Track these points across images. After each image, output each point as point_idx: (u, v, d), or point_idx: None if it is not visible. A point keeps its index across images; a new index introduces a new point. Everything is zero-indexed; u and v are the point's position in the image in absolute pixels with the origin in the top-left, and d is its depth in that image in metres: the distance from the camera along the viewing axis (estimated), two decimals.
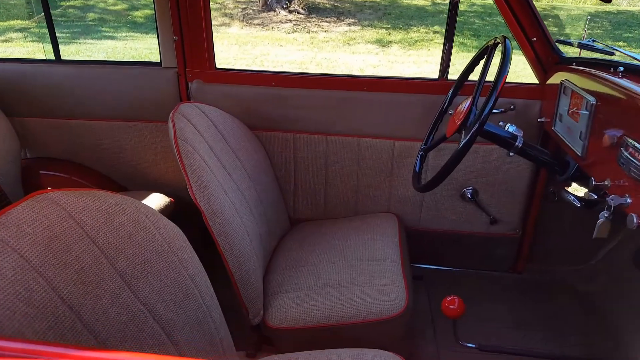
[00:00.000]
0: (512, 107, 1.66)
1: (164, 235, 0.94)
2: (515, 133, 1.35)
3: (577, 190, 1.39)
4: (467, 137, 1.19)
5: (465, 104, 1.35)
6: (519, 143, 1.34)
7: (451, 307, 1.27)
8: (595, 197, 1.20)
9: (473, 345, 1.27)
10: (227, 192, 1.34)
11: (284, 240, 1.72)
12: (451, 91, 1.57)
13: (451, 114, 1.45)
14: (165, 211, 1.68)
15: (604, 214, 1.08)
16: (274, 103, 1.74)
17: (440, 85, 1.67)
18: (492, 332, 1.63)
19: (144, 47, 7.33)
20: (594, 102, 1.21)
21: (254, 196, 1.55)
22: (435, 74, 1.73)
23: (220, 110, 1.58)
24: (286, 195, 1.88)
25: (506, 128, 1.36)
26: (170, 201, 1.72)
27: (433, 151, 1.73)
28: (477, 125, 1.17)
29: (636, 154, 1.00)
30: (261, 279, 1.39)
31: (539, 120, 1.64)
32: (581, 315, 1.73)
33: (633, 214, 0.96)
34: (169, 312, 0.89)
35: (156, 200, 1.70)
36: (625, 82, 1.14)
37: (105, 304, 0.79)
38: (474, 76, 1.49)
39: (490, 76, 1.34)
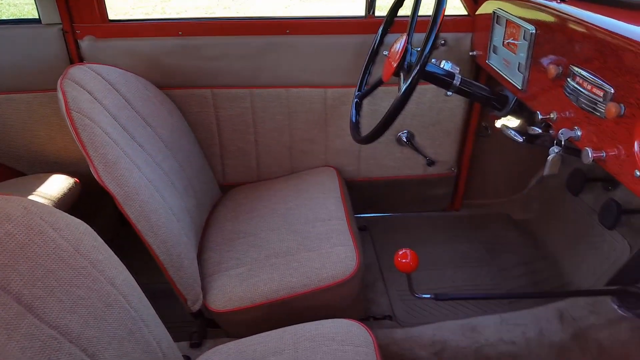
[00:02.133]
0: (442, 42, 1.57)
1: (67, 237, 0.76)
2: (452, 71, 1.26)
3: (513, 122, 1.35)
4: (409, 81, 1.07)
5: (400, 43, 1.23)
6: (457, 81, 1.25)
7: (404, 261, 1.20)
8: (539, 130, 1.16)
9: (429, 296, 1.24)
10: (141, 168, 1.16)
11: (216, 210, 1.56)
12: (381, 29, 1.44)
13: (385, 54, 1.33)
14: (71, 195, 1.45)
15: (554, 149, 1.03)
16: (184, 56, 1.53)
17: (368, 23, 1.54)
18: (441, 276, 1.63)
19: (25, 2, 6.43)
20: (534, 31, 1.14)
21: (175, 167, 1.37)
22: (361, 12, 1.59)
23: (120, 69, 1.35)
24: (212, 160, 1.70)
25: (441, 65, 1.26)
26: (75, 182, 1.49)
27: (368, 98, 1.62)
28: (418, 67, 1.06)
29: (584, 83, 0.95)
30: (195, 260, 1.25)
31: (470, 54, 1.57)
32: (521, 245, 1.77)
33: (588, 148, 0.91)
34: (88, 330, 0.74)
35: (58, 184, 1.46)
36: (566, 8, 1.07)
37: (1, 341, 0.62)
38: (404, 11, 1.37)
39: (423, 10, 1.22)
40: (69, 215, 0.80)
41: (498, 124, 1.33)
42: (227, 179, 1.74)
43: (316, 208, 1.43)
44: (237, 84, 1.58)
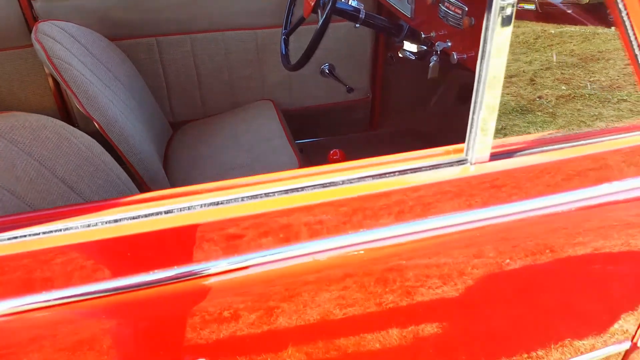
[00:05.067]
0: None
1: (84, 143, 1.02)
2: (357, 7, 1.58)
3: (411, 47, 1.71)
4: (324, 16, 1.39)
5: None
6: (362, 15, 1.58)
7: (335, 157, 1.55)
8: (425, 48, 1.52)
9: None
10: (114, 103, 1.40)
11: (172, 145, 1.82)
12: None
13: None
14: None
15: (433, 58, 1.40)
16: (130, 8, 1.73)
17: None
18: None
19: None
20: None
21: (135, 106, 1.60)
22: None
23: (75, 25, 1.54)
24: (162, 101, 1.93)
25: (349, 2, 1.58)
26: None
27: (293, 36, 1.91)
28: (330, 4, 1.37)
29: (451, 7, 1.31)
30: (167, 179, 1.52)
31: None
32: None
33: (454, 52, 1.28)
34: None
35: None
36: None
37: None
38: None
39: None
40: (80, 131, 1.05)
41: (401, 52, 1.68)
42: (176, 117, 1.99)
43: (261, 132, 1.73)
44: (177, 30, 1.81)
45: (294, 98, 2.08)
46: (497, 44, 0.69)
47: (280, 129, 1.75)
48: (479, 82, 0.72)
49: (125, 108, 1.47)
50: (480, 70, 0.71)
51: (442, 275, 0.81)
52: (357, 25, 1.59)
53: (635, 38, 0.80)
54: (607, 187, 0.86)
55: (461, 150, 0.79)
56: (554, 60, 1.27)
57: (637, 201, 0.90)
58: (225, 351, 0.76)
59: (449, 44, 1.35)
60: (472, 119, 0.74)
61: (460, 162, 0.78)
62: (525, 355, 1.01)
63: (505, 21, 0.67)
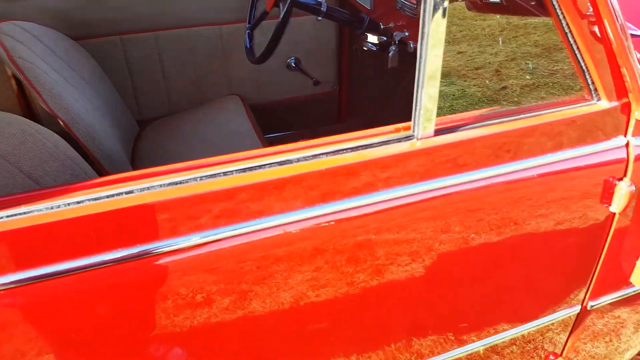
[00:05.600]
0: None
1: (50, 140, 1.04)
2: (320, 0, 1.62)
3: (373, 39, 1.76)
4: (286, 8, 1.42)
5: None
6: (324, 8, 1.62)
7: None
8: (385, 39, 1.57)
9: None
10: (78, 101, 1.41)
11: (139, 142, 1.83)
12: None
13: None
14: None
15: (392, 48, 1.45)
16: (91, 8, 1.74)
17: None
18: None
19: None
20: None
21: (101, 104, 1.61)
22: None
23: (39, 25, 1.55)
24: (128, 99, 1.94)
25: None
26: None
27: (258, 30, 1.94)
28: None
29: None
30: None
31: None
32: None
33: (411, 41, 1.33)
34: None
35: None
36: None
37: None
38: None
39: None
40: (45, 128, 1.07)
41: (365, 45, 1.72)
42: (142, 115, 1.99)
43: (229, 127, 1.76)
44: (141, 28, 1.83)
45: (262, 92, 2.11)
46: (434, 25, 0.74)
47: (248, 124, 1.78)
48: (419, 66, 0.77)
49: (90, 106, 1.49)
50: (420, 57, 0.77)
51: (397, 242, 0.86)
52: (320, 18, 1.63)
53: (568, 27, 0.86)
54: (543, 158, 0.92)
55: (409, 128, 0.84)
56: (500, 45, 1.33)
57: (577, 171, 0.96)
58: (192, 329, 0.80)
59: (406, 33, 1.40)
60: (416, 98, 0.80)
61: (408, 138, 0.83)
62: (485, 325, 1.07)
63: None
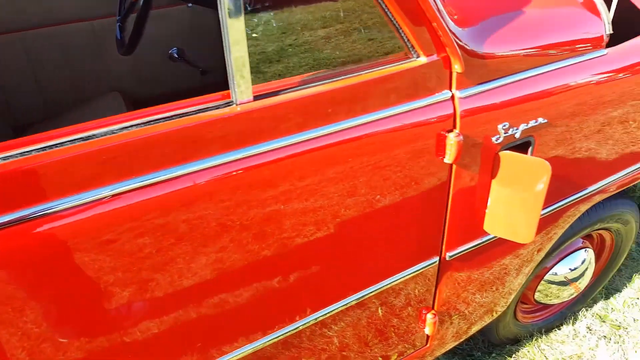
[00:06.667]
0: None
1: None
2: None
3: None
4: None
5: None
6: None
7: None
8: None
9: None
10: None
11: None
12: None
13: None
14: None
15: None
16: None
17: None
18: None
19: None
20: None
21: None
22: None
23: None
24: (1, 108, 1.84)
25: None
26: None
27: (131, 21, 1.88)
28: None
29: None
30: None
31: None
32: None
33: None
34: None
35: None
36: None
37: None
38: None
39: None
40: None
41: None
42: (17, 121, 1.89)
43: None
44: (4, 30, 1.73)
45: (145, 87, 2.06)
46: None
47: None
48: (223, 32, 0.79)
49: None
50: (222, 23, 0.78)
51: (225, 210, 0.87)
52: (190, 5, 1.62)
53: None
54: (371, 116, 0.96)
55: (228, 96, 0.85)
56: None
57: (412, 128, 1.01)
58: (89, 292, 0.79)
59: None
60: (228, 64, 0.81)
61: (227, 104, 0.84)
62: (348, 283, 1.11)
63: None
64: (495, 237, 1.26)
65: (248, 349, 1.01)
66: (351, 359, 1.26)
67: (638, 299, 1.97)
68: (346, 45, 1.03)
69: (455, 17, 1.00)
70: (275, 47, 0.93)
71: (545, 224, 1.36)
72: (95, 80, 1.95)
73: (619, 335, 1.83)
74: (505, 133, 1.10)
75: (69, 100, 1.94)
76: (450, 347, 1.51)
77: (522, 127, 1.13)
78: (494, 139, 1.10)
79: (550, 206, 1.32)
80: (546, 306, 1.83)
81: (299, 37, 0.96)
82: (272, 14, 1.06)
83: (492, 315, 1.53)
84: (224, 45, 0.82)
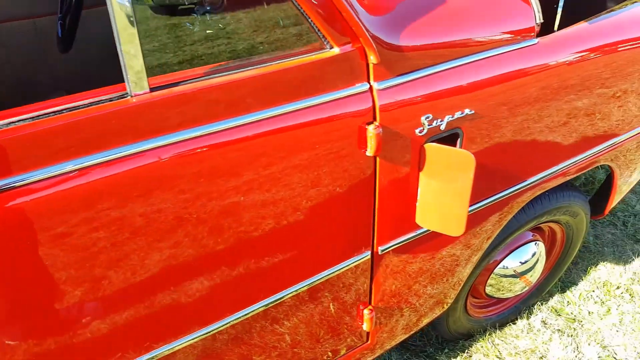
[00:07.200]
0: None
1: None
2: None
3: None
4: None
5: None
6: None
7: None
8: None
9: None
10: None
11: None
12: None
13: None
14: None
15: None
16: None
17: None
18: None
19: None
20: None
21: None
22: None
23: None
24: None
25: None
26: None
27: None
28: None
29: None
30: None
31: None
32: None
33: None
34: None
35: None
36: None
37: None
38: None
39: None
40: None
41: None
42: None
43: None
44: None
45: (91, 85, 2.01)
46: None
47: None
48: (112, 23, 0.77)
49: None
50: (110, 13, 0.76)
51: (131, 209, 0.84)
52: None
53: None
54: (283, 108, 0.94)
55: (124, 88, 0.82)
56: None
57: (332, 121, 0.99)
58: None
59: None
60: (121, 55, 0.79)
61: (122, 96, 0.82)
62: (278, 279, 1.08)
63: None
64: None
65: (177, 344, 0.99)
66: (288, 356, 1.23)
67: (594, 291, 1.97)
68: (261, 38, 1.01)
69: (366, 2, 0.98)
70: (177, 42, 0.91)
71: (483, 216, 1.35)
72: (42, 81, 1.91)
73: (573, 329, 1.83)
74: (429, 125, 1.09)
75: (15, 104, 1.89)
76: (401, 339, 1.48)
77: (448, 118, 1.11)
78: (417, 130, 1.08)
79: (484, 199, 1.31)
80: (499, 300, 1.82)
81: (204, 32, 0.94)
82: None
83: (443, 307, 1.51)
84: (114, 36, 0.79)
